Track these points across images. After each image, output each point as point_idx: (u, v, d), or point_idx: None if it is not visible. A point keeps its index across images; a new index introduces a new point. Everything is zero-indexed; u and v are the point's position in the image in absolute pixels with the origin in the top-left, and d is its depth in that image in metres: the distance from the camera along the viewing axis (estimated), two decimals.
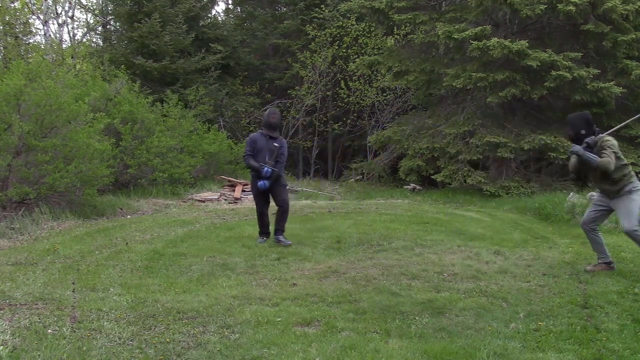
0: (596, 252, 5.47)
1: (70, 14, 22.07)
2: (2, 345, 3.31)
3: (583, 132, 5.17)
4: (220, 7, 28.58)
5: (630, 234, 5.13)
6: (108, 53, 16.55)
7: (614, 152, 5.07)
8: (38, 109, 8.16)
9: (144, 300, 4.30)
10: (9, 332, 3.53)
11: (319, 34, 18.28)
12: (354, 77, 18.01)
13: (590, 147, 5.12)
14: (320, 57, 18.22)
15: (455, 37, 12.38)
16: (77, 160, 8.42)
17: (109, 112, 11.07)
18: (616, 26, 12.09)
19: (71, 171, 8.21)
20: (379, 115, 18.42)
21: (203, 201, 11.39)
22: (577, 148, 5.12)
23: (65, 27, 21.67)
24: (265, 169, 6.44)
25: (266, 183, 6.48)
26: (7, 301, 4.23)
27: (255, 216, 6.91)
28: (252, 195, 10.60)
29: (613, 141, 5.13)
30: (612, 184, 5.20)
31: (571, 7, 11.55)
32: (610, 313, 4.16)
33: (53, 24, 21.79)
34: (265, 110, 18.50)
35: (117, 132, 10.98)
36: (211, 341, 3.53)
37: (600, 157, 5.05)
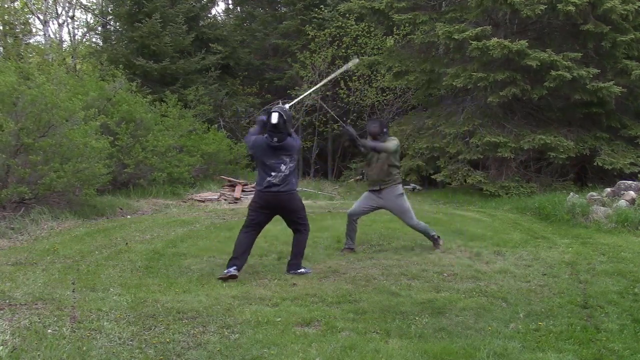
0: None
1: (70, 14, 22.02)
2: (2, 345, 3.30)
3: (385, 130, 6.27)
4: (220, 8, 28.51)
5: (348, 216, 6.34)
6: (108, 53, 16.56)
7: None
8: (34, 108, 8.14)
9: (144, 300, 4.30)
10: (9, 332, 3.52)
11: (318, 34, 18.27)
12: (353, 77, 17.99)
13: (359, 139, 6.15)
14: (319, 57, 18.21)
15: (455, 37, 12.38)
16: (74, 160, 8.40)
17: (107, 112, 11.07)
18: (616, 26, 12.09)
19: (68, 170, 8.19)
20: (379, 115, 18.39)
21: (203, 201, 11.38)
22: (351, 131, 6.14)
23: (65, 27, 21.70)
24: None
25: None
26: (7, 301, 4.22)
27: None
28: (252, 195, 10.31)
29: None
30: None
31: (571, 7, 11.54)
32: (610, 313, 4.16)
33: (53, 23, 21.82)
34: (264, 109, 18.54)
35: (114, 131, 10.95)
36: (211, 341, 3.52)
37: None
